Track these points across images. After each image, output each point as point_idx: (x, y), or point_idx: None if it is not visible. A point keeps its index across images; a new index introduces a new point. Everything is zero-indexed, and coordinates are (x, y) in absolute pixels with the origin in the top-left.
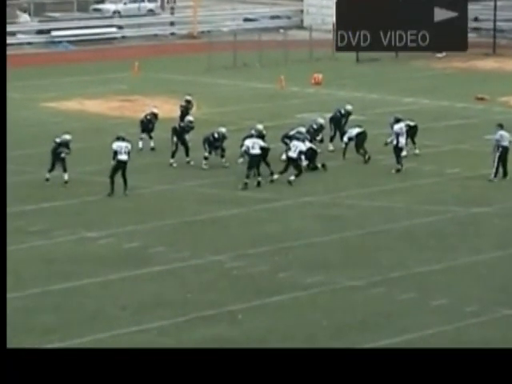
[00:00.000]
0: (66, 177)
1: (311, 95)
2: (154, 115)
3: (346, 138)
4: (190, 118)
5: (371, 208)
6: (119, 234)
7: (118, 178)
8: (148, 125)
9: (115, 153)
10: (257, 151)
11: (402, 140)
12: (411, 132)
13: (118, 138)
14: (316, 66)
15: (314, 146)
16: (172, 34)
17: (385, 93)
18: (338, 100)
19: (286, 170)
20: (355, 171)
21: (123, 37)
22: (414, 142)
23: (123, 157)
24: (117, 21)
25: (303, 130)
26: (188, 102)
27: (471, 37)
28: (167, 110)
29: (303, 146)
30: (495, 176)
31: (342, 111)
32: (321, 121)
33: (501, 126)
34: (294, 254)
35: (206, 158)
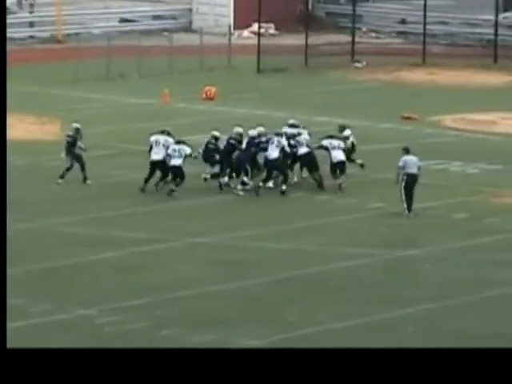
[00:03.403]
0: None
1: (202, 113)
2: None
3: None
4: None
5: (276, 251)
6: None
7: None
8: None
9: None
10: (177, 162)
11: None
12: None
13: None
14: (208, 77)
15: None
16: (31, 36)
17: (293, 110)
18: (236, 119)
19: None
20: (257, 205)
21: None
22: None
23: None
24: None
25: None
26: (77, 130)
27: (397, 43)
28: (23, 130)
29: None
30: (409, 211)
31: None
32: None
33: (406, 151)
34: (181, 307)
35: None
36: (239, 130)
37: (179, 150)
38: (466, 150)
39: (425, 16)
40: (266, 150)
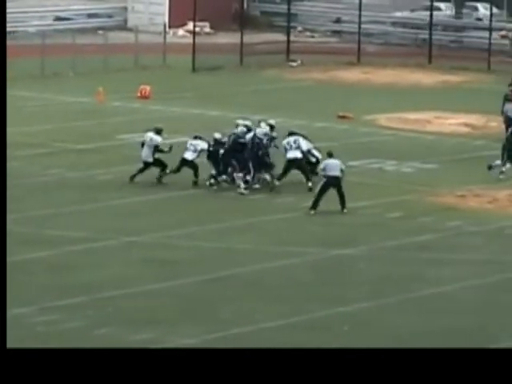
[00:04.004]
0: None
1: (137, 111)
2: None
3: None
4: None
5: (211, 250)
6: None
7: None
8: None
9: None
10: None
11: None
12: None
13: None
14: (143, 75)
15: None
16: None
17: (228, 109)
18: (171, 118)
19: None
20: (193, 204)
21: None
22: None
23: None
24: None
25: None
26: None
27: (332, 42)
28: None
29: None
30: (312, 208)
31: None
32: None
33: (329, 155)
34: (115, 306)
35: None
36: (243, 129)
37: (195, 145)
38: (400, 149)
39: (360, 15)
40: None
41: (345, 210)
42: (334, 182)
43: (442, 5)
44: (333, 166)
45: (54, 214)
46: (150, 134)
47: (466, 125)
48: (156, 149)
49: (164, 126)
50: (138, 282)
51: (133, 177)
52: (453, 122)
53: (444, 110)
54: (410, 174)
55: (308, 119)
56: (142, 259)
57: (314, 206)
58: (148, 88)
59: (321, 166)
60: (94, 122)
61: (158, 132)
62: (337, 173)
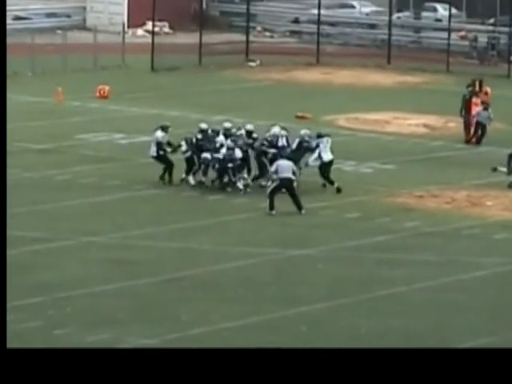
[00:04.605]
0: None
1: (96, 111)
2: None
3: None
4: None
5: (169, 250)
6: None
7: None
8: None
9: None
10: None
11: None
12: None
13: None
14: (102, 75)
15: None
16: None
17: (187, 109)
18: (130, 118)
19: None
20: (150, 204)
21: None
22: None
23: None
24: None
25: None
26: None
27: (290, 42)
28: None
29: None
30: (270, 209)
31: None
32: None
33: (281, 156)
34: (73, 306)
35: None
36: (276, 130)
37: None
38: (359, 149)
39: (319, 15)
40: (312, 151)
41: (303, 211)
42: (286, 184)
43: (355, 2)
44: (285, 167)
45: (12, 214)
46: (155, 131)
47: (425, 125)
48: (159, 146)
49: (123, 126)
50: (97, 282)
51: (182, 179)
52: (411, 123)
53: (403, 110)
54: (368, 175)
55: (266, 119)
56: (100, 259)
57: (271, 206)
58: (107, 88)
59: (272, 168)
60: (52, 121)
61: (163, 129)
62: (289, 174)
